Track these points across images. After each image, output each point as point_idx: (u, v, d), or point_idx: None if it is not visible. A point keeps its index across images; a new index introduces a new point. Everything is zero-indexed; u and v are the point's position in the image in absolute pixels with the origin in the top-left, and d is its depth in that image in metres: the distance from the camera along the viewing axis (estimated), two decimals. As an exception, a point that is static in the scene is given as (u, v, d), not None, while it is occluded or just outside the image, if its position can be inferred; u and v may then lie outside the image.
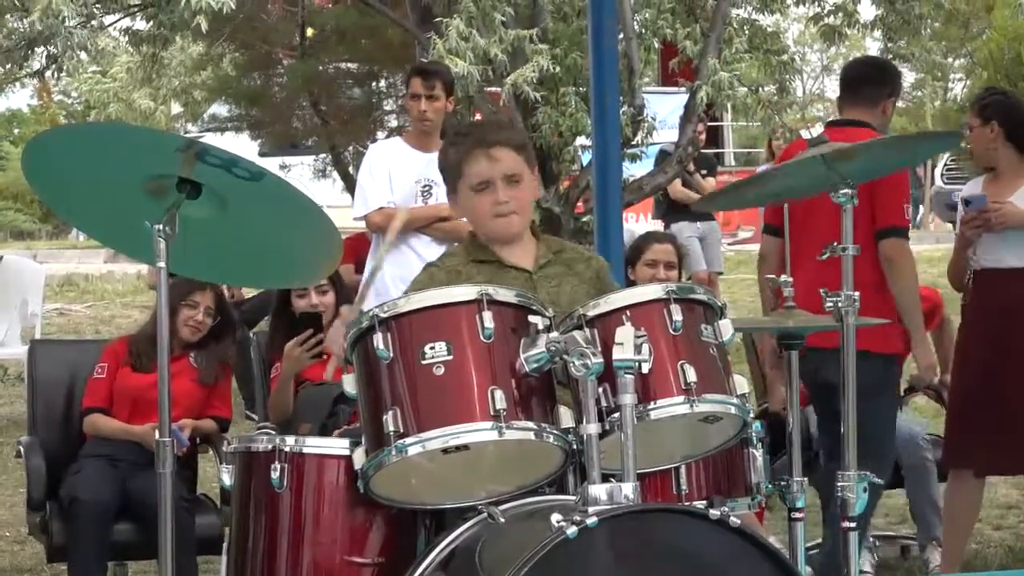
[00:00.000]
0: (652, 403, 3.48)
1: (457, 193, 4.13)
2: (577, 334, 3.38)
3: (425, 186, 6.95)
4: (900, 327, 5.68)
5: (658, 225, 13.43)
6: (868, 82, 5.90)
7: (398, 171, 6.96)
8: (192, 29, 9.98)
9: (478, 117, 11.12)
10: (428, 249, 6.86)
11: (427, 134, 7.03)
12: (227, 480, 3.85)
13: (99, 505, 5.64)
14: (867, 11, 12.49)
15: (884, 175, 5.08)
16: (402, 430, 3.40)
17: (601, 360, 3.29)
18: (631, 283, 6.07)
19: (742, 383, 3.68)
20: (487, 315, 3.44)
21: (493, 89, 10.38)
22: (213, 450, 6.07)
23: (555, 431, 3.45)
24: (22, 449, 6.00)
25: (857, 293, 4.16)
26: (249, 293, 10.72)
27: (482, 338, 3.43)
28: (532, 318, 3.50)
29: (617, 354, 3.29)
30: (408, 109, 7.15)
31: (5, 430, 10.04)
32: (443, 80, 7.06)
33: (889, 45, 12.38)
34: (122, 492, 5.75)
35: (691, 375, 3.50)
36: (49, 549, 5.77)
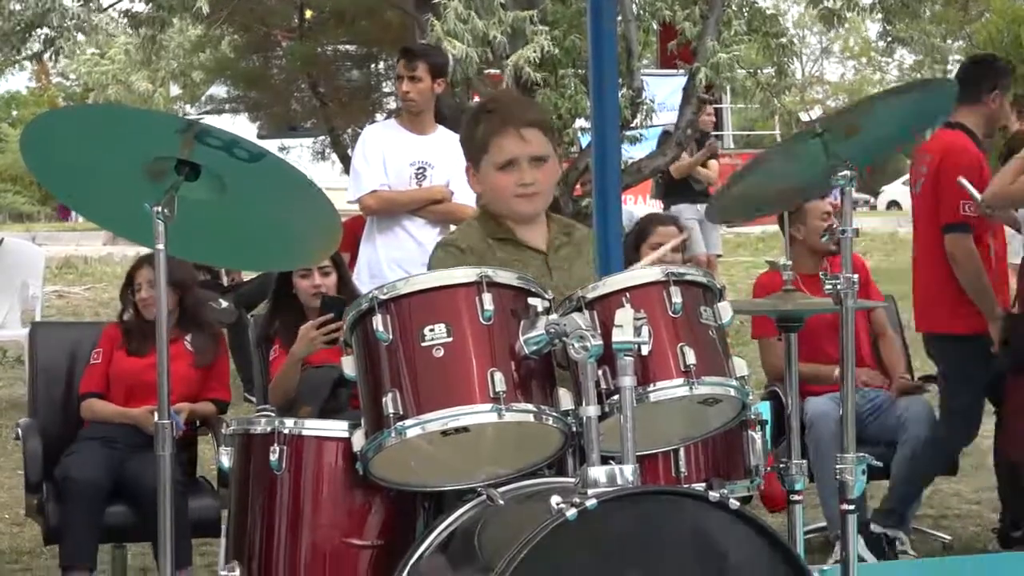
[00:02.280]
0: (651, 385, 3.47)
1: (478, 168, 4.09)
2: (576, 316, 3.38)
3: (419, 168, 6.97)
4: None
5: (657, 206, 13.43)
6: (966, 82, 6.14)
7: (392, 154, 6.96)
8: (192, 11, 9.96)
9: (476, 99, 11.10)
10: (422, 231, 6.88)
11: (419, 116, 7.02)
12: (226, 462, 3.85)
13: (90, 485, 5.65)
14: (867, -6, 12.47)
15: (888, 152, 5.15)
16: (402, 412, 3.39)
17: (600, 342, 3.29)
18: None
19: (741, 365, 3.67)
20: (487, 297, 3.44)
21: (492, 71, 10.37)
22: (212, 433, 6.08)
23: (554, 413, 3.45)
24: (20, 431, 6.01)
25: (856, 276, 4.15)
26: (247, 275, 10.72)
27: (482, 320, 3.43)
28: (532, 300, 3.49)
29: (616, 336, 3.29)
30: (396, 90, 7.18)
31: (4, 412, 10.04)
32: (428, 62, 7.02)
33: (888, 28, 12.36)
34: (117, 474, 5.76)
35: (690, 357, 3.49)
36: (45, 530, 5.77)
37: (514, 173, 4.01)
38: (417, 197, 6.94)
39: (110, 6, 12.44)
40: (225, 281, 10.74)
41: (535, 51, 9.56)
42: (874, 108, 4.26)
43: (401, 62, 7.02)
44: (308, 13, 16.79)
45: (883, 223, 27.68)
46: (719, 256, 13.69)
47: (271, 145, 17.45)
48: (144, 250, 5.22)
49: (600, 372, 3.37)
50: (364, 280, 6.72)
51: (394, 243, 6.94)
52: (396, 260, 6.79)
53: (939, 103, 4.49)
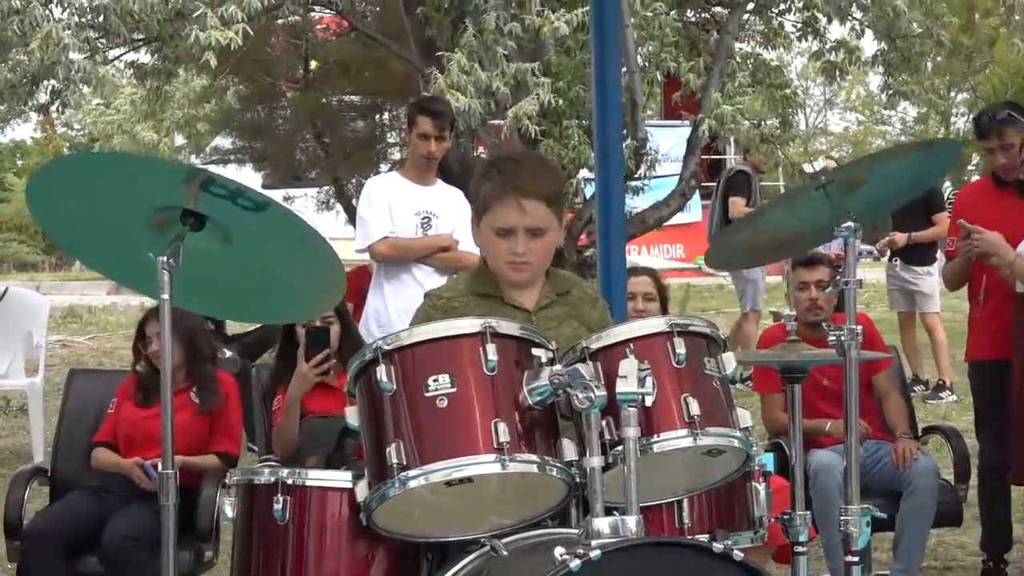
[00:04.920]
0: (655, 436, 3.47)
1: (480, 226, 4.09)
2: (580, 367, 3.38)
3: (424, 218, 7.00)
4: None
5: None
6: None
7: (398, 204, 7.00)
8: (199, 63, 10.01)
9: (481, 150, 11.15)
10: (429, 279, 6.90)
11: (427, 169, 7.08)
12: (229, 512, 3.84)
13: (48, 537, 5.66)
14: (869, 47, 12.55)
15: (890, 206, 5.12)
16: (405, 462, 3.39)
17: (604, 393, 3.29)
18: None
19: (745, 416, 3.67)
20: (490, 348, 3.44)
21: (496, 121, 10.41)
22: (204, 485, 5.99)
23: (558, 464, 3.44)
24: (13, 477, 6.05)
25: (860, 327, 4.15)
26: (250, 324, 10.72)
27: (485, 371, 3.43)
28: (535, 351, 3.49)
29: (620, 387, 3.29)
30: (413, 146, 7.11)
31: (7, 462, 10.02)
32: (451, 120, 7.18)
33: (890, 81, 12.43)
34: (97, 524, 5.72)
35: (694, 408, 3.49)
36: None
37: (509, 241, 3.99)
38: (427, 244, 6.98)
39: (116, 58, 12.49)
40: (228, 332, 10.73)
41: (532, 103, 9.60)
42: (876, 166, 4.27)
43: (428, 122, 6.99)
44: (313, 64, 16.89)
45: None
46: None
47: (276, 195, 17.50)
48: (150, 301, 5.21)
49: (604, 423, 3.37)
50: (372, 330, 6.75)
51: (402, 292, 6.95)
52: (405, 310, 6.78)
53: (942, 161, 4.51)
